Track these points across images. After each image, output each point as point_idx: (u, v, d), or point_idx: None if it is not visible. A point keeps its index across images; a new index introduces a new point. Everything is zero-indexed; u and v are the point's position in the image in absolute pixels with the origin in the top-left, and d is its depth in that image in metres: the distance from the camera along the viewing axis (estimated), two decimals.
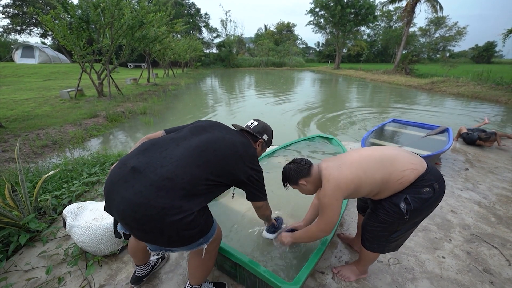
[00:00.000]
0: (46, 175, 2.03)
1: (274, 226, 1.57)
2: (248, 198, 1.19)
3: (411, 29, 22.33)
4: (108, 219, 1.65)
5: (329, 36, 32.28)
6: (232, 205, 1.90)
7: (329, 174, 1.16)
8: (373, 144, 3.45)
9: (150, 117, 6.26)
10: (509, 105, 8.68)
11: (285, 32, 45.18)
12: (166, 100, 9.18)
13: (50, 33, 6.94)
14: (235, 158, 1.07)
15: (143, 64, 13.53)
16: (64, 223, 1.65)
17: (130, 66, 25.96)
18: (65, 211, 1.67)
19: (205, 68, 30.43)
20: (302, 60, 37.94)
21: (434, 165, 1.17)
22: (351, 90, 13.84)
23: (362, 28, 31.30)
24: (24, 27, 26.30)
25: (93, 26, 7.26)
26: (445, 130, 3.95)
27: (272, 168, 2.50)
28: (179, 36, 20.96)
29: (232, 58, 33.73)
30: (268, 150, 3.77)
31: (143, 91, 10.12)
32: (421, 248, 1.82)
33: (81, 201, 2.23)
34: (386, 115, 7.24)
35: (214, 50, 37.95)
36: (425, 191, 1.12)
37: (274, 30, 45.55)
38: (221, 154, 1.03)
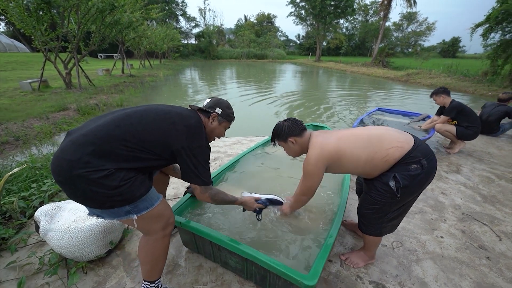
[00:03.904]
0: (10, 173, 1.73)
1: (257, 212, 1.43)
2: (182, 177, 1.12)
3: (386, 24, 23.17)
4: (92, 220, 1.44)
5: (310, 29, 32.50)
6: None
7: (316, 141, 1.22)
8: None
9: None
10: (475, 94, 9.39)
11: (265, 23, 44.68)
12: (144, 92, 8.61)
13: (2, 17, 6.04)
14: (166, 124, 1.02)
15: (116, 54, 12.53)
16: (37, 227, 1.41)
17: (101, 56, 24.13)
18: (38, 213, 1.43)
19: (184, 59, 29.20)
20: (283, 53, 37.91)
21: (423, 142, 1.15)
22: (333, 82, 14.09)
23: (341, 21, 31.91)
24: None
25: (55, 11, 6.50)
26: (426, 117, 4.12)
27: (265, 160, 2.40)
28: (155, 24, 19.72)
29: (212, 49, 32.71)
30: (259, 141, 3.67)
31: (118, 82, 9.40)
32: (420, 230, 1.85)
33: (55, 202, 1.97)
34: (370, 104, 7.45)
35: (193, 41, 36.50)
36: (413, 167, 1.12)
37: (255, 21, 44.82)
38: (147, 119, 1.00)
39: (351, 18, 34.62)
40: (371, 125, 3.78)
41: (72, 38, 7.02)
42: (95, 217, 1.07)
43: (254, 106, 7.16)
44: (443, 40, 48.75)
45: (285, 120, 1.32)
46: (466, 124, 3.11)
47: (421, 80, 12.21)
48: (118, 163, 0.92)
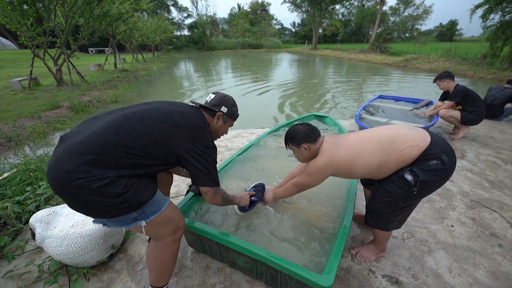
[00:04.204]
0: (2, 177, 1.64)
1: (245, 208, 1.43)
2: (192, 181, 1.04)
3: (383, 8, 22.59)
4: (91, 224, 1.37)
5: (305, 15, 31.71)
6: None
7: (326, 149, 1.17)
8: (366, 120, 3.41)
9: (123, 105, 5.64)
10: (475, 78, 9.29)
11: (259, 11, 43.52)
12: (138, 86, 8.40)
13: None
14: (168, 127, 0.94)
15: (107, 48, 12.13)
16: (33, 234, 1.34)
17: (92, 51, 23.47)
18: (32, 220, 1.35)
19: (178, 51, 28.54)
20: (279, 42, 37.21)
21: (440, 138, 1.08)
22: (331, 70, 13.87)
23: (337, 7, 31.12)
24: None
25: (40, 5, 6.19)
26: (429, 103, 4.04)
27: (267, 151, 2.32)
28: (145, 15, 19.08)
29: (206, 40, 31.95)
30: (261, 133, 3.59)
31: (111, 77, 9.14)
32: (430, 219, 1.81)
33: (52, 205, 1.89)
34: (368, 91, 7.34)
35: (186, 32, 35.59)
36: (433, 163, 1.06)
37: (248, 10, 43.64)
38: (148, 121, 0.92)
39: (347, 3, 33.72)
40: (375, 114, 3.70)
41: (60, 32, 6.73)
42: (101, 224, 1.01)
43: (251, 97, 7.02)
44: (440, 24, 48.07)
45: (301, 124, 1.25)
46: (471, 109, 3.04)
47: (420, 65, 12.05)
48: (120, 171, 0.86)
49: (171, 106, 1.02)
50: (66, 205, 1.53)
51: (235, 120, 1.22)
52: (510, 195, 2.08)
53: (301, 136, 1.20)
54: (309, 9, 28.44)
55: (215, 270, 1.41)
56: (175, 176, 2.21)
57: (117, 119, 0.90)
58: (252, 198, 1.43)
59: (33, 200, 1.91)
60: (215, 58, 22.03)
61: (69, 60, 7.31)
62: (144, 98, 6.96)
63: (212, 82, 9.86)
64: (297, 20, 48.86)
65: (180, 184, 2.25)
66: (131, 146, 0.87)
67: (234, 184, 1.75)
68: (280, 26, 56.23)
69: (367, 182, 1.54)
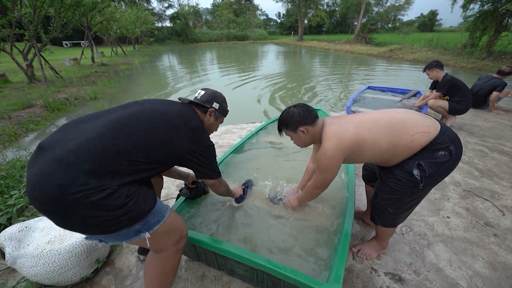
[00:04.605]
0: None
1: (241, 197, 1.51)
2: (196, 177, 1.08)
3: None
4: (71, 239, 1.23)
5: (290, 6, 31.30)
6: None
7: (332, 130, 1.08)
8: (357, 112, 3.39)
9: (103, 103, 5.32)
10: (456, 67, 9.59)
11: (244, 1, 42.45)
12: (119, 82, 7.95)
13: None
14: (167, 129, 0.90)
15: (83, 41, 11.32)
16: (3, 254, 1.18)
17: (66, 44, 22.01)
18: (1, 238, 1.19)
19: (160, 44, 27.40)
20: (265, 33, 36.64)
21: (449, 127, 1.03)
22: (318, 61, 13.84)
23: None
24: None
25: None
26: (417, 93, 4.09)
27: (259, 148, 2.23)
28: (123, 5, 18.02)
29: (189, 32, 30.86)
30: (253, 128, 3.48)
31: (89, 73, 8.59)
32: (426, 211, 1.81)
33: (27, 217, 1.72)
34: (355, 82, 7.37)
35: (167, 24, 34.16)
36: (440, 154, 1.01)
37: (232, 0, 42.42)
38: (147, 126, 0.87)
39: None
40: (366, 105, 3.69)
41: (28, 24, 6.16)
42: (97, 241, 0.89)
43: (238, 90, 6.85)
44: (422, 14, 49.17)
45: (295, 106, 1.15)
46: (458, 98, 3.08)
47: (404, 55, 12.28)
48: (121, 179, 0.79)
49: (165, 106, 0.97)
50: (41, 218, 1.38)
51: (225, 116, 1.22)
52: (499, 183, 2.14)
53: (296, 119, 1.12)
54: None
55: (212, 279, 1.32)
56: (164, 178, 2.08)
57: (112, 124, 0.82)
58: (243, 186, 1.57)
59: (3, 212, 1.72)
60: (200, 51, 21.37)
61: (41, 55, 6.75)
62: (126, 94, 6.60)
63: (198, 77, 9.53)
64: (282, 11, 48.27)
65: (169, 186, 2.12)
66: (132, 152, 0.82)
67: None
68: (265, 17, 55.35)
69: (368, 179, 1.49)
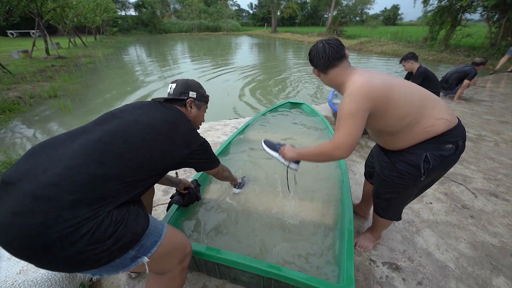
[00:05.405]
0: None
1: (240, 184, 1.57)
2: (197, 171, 1.09)
3: None
4: None
5: None
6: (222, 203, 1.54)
7: (362, 78, 0.96)
8: (338, 104, 3.46)
9: (65, 101, 4.77)
10: (419, 59, 10.31)
11: None
12: (82, 76, 7.21)
13: None
14: (159, 142, 0.84)
15: (33, 31, 9.94)
16: None
17: (12, 34, 19.32)
18: None
19: (125, 34, 25.34)
20: (238, 24, 35.89)
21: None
22: (294, 53, 13.94)
23: None
24: None
25: None
26: None
27: (249, 144, 2.17)
28: None
29: (157, 21, 28.96)
30: (236, 123, 3.38)
31: (44, 66, 7.63)
32: None
33: None
34: None
35: (132, 12, 31.64)
36: (448, 147, 1.02)
37: None
38: (136, 143, 0.79)
39: None
40: None
41: None
42: (89, 275, 0.82)
43: (215, 83, 6.63)
44: (385, 8, 52.00)
45: (322, 42, 1.03)
46: (430, 90, 3.29)
47: (373, 48, 12.91)
48: (114, 201, 0.70)
49: (147, 114, 0.88)
50: None
51: (207, 102, 1.14)
52: (469, 168, 2.35)
53: (310, 57, 1.08)
54: None
55: None
56: None
57: (94, 147, 0.72)
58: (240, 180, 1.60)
59: None
60: (170, 42, 20.26)
61: None
62: (91, 89, 6.00)
63: (169, 70, 9.02)
64: (255, 2, 47.52)
65: (156, 192, 1.96)
66: (124, 174, 0.74)
67: (216, 194, 1.59)
68: (237, 8, 54.05)
69: (370, 175, 1.49)
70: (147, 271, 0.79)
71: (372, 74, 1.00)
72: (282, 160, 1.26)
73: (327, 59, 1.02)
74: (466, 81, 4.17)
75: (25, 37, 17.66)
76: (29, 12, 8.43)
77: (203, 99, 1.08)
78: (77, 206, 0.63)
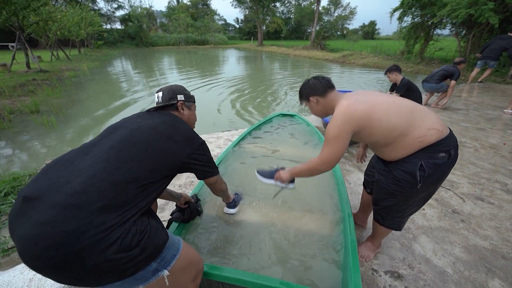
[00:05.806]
0: None
1: (234, 201, 1.50)
2: (199, 178, 1.09)
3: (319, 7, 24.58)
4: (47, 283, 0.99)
5: (248, 12, 31.99)
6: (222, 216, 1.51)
7: (346, 103, 1.10)
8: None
9: (49, 116, 4.58)
10: None
11: (200, 6, 41.83)
12: (66, 90, 6.99)
13: None
14: (163, 142, 0.89)
15: (13, 44, 9.59)
16: None
17: None
18: None
19: (111, 47, 25.08)
20: (225, 38, 36.68)
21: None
22: (281, 66, 14.35)
23: (278, 4, 32.35)
24: None
25: None
26: None
27: (244, 158, 2.18)
28: (64, 5, 15.97)
29: (144, 35, 28.98)
30: (229, 136, 3.39)
31: (25, 81, 7.33)
32: None
33: None
34: None
35: (118, 26, 31.55)
36: (441, 156, 1.08)
37: (189, 3, 41.43)
38: (143, 145, 0.84)
39: (286, 1, 35.54)
40: None
41: None
42: None
43: (206, 96, 6.65)
44: (364, 23, 55.36)
45: (313, 78, 1.23)
46: (412, 100, 3.50)
47: (355, 60, 13.56)
48: (135, 206, 0.74)
49: (147, 120, 0.94)
50: None
51: (195, 102, 1.21)
52: (454, 173, 2.47)
53: (307, 91, 1.22)
54: (252, 5, 28.79)
55: None
56: None
57: (108, 154, 0.77)
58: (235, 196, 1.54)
59: None
60: (157, 54, 20.25)
61: None
62: (77, 105, 5.81)
63: (156, 82, 8.96)
64: (240, 16, 49.08)
65: None
66: (139, 177, 0.78)
67: (216, 210, 1.56)
68: (223, 22, 55.46)
69: (368, 184, 1.53)
70: (167, 283, 0.78)
71: (357, 97, 1.12)
72: (280, 184, 1.35)
73: (325, 84, 1.19)
74: (453, 82, 4.35)
75: (4, 50, 16.98)
76: (9, 26, 8.18)
77: (191, 99, 1.16)
78: (105, 212, 0.66)
